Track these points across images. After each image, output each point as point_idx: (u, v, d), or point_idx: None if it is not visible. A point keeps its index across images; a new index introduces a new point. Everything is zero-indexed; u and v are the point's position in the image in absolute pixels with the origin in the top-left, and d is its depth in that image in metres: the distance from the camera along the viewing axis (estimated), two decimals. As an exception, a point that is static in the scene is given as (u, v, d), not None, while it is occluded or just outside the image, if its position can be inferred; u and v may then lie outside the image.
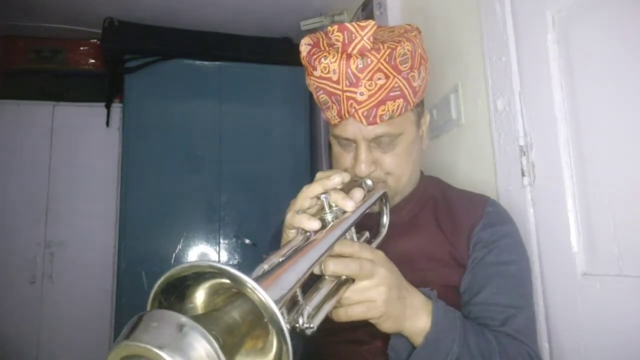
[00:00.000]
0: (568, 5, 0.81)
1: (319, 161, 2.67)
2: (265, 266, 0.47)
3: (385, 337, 0.69)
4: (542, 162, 0.88)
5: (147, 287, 2.46)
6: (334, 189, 0.65)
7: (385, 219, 0.79)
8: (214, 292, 0.40)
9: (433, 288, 0.71)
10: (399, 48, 0.75)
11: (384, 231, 0.79)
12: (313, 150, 2.78)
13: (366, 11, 1.85)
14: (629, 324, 0.70)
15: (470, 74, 1.14)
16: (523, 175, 0.92)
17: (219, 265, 0.36)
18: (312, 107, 2.80)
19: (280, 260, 0.48)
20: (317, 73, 0.77)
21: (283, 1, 2.49)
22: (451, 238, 0.82)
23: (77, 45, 2.87)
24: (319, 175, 0.68)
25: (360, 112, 0.76)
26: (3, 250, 2.61)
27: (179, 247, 2.55)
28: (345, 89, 0.75)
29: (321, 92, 0.79)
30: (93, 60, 2.89)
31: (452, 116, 1.20)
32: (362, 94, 0.75)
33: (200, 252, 2.58)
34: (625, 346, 0.71)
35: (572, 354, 0.80)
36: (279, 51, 2.84)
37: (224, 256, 2.61)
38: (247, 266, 2.59)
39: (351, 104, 0.76)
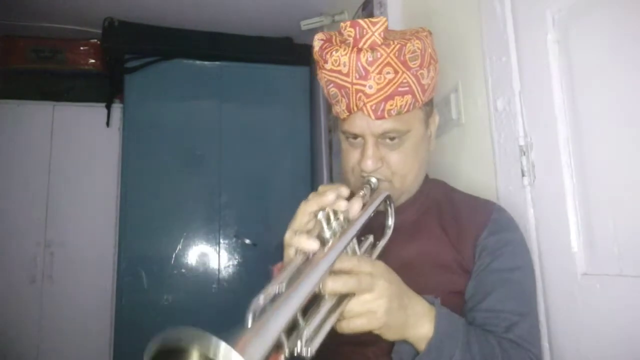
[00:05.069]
0: (568, 5, 0.81)
1: (319, 161, 2.67)
2: (261, 301, 0.47)
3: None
4: (542, 162, 0.88)
5: (147, 287, 2.47)
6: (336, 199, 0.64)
7: (390, 221, 0.79)
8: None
9: (437, 295, 0.71)
10: (408, 45, 0.77)
11: (389, 232, 0.79)
12: (313, 151, 2.78)
13: (366, 11, 1.85)
14: (629, 324, 0.70)
15: (470, 73, 1.14)
16: (523, 175, 0.92)
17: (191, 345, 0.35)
18: (312, 107, 2.80)
19: (277, 290, 0.48)
20: (328, 66, 0.78)
21: (283, 1, 2.49)
22: (456, 244, 0.82)
23: (77, 45, 2.87)
24: (319, 188, 0.68)
25: (368, 105, 0.77)
26: (3, 250, 2.61)
27: (179, 247, 2.55)
28: (354, 81, 0.76)
29: (331, 85, 0.80)
30: (93, 60, 2.89)
31: (452, 116, 1.20)
32: (370, 87, 0.76)
33: (200, 252, 2.58)
34: (625, 346, 0.71)
35: (572, 353, 0.80)
36: (279, 51, 2.84)
37: (224, 256, 2.61)
38: (247, 266, 2.60)
39: (360, 97, 0.77)
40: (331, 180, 2.45)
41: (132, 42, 2.62)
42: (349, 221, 0.65)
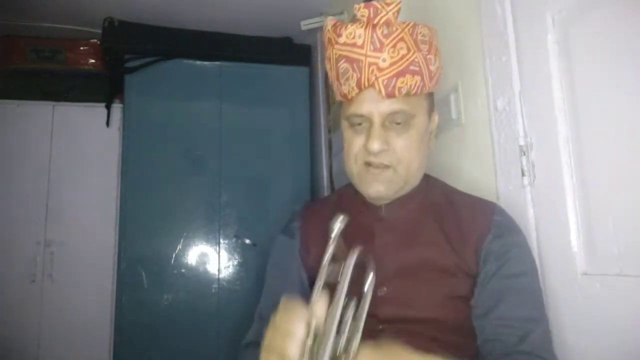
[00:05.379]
0: (568, 5, 0.81)
1: (319, 161, 2.67)
2: None
3: None
4: (542, 162, 0.88)
5: (147, 287, 2.47)
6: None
7: (367, 285, 0.62)
8: None
9: (440, 298, 0.70)
10: (419, 26, 0.81)
11: (369, 299, 0.62)
12: (313, 151, 2.78)
13: (366, 11, 1.85)
14: (629, 324, 0.70)
15: (470, 73, 1.14)
16: (523, 175, 0.92)
17: None
18: (312, 107, 2.80)
19: None
20: (342, 40, 0.79)
21: (283, 1, 2.49)
22: (458, 248, 0.81)
23: (77, 45, 2.87)
24: (280, 315, 0.58)
25: (380, 80, 0.77)
26: (3, 249, 2.61)
27: (179, 247, 2.55)
28: (369, 53, 0.77)
29: (343, 60, 0.80)
30: (93, 60, 2.89)
31: (452, 116, 1.20)
32: (384, 60, 0.77)
33: (200, 252, 2.58)
34: (626, 346, 0.71)
35: (572, 353, 0.80)
36: (279, 51, 2.84)
37: (224, 256, 2.61)
38: (247, 266, 2.59)
39: (372, 70, 0.77)
40: (331, 179, 2.44)
41: (132, 42, 2.62)
42: (320, 331, 0.55)
